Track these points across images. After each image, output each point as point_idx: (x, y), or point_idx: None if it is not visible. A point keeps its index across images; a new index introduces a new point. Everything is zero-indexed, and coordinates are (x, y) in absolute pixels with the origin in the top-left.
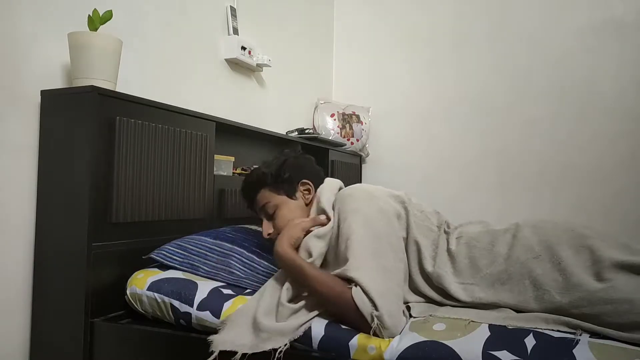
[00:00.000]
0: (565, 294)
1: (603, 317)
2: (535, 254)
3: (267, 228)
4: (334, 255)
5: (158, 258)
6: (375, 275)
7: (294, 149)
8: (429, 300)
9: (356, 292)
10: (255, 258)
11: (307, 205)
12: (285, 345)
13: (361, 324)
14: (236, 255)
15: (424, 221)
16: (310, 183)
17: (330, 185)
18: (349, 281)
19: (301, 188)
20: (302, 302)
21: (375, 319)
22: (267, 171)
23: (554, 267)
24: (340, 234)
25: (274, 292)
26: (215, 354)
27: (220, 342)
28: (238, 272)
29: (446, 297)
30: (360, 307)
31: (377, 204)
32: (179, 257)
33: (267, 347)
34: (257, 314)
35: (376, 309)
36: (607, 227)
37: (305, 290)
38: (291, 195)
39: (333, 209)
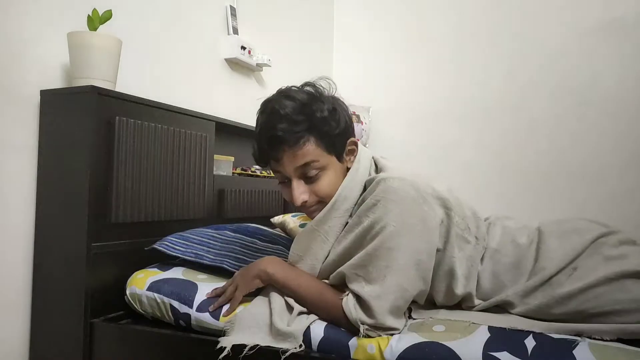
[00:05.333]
0: (571, 298)
1: (612, 316)
2: (559, 268)
3: (301, 192)
4: (353, 244)
5: (161, 248)
6: (388, 295)
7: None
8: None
9: (346, 302)
10: (258, 242)
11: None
12: (301, 346)
13: (354, 331)
14: (240, 241)
15: (464, 231)
16: (356, 143)
17: (366, 161)
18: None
19: (348, 148)
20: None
21: (362, 328)
22: (324, 116)
23: (572, 280)
24: (367, 231)
25: (280, 295)
26: (228, 348)
27: (232, 341)
28: (244, 257)
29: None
30: (349, 316)
31: (422, 210)
32: (182, 247)
33: (283, 346)
34: (273, 316)
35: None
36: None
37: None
38: (340, 156)
39: (365, 187)
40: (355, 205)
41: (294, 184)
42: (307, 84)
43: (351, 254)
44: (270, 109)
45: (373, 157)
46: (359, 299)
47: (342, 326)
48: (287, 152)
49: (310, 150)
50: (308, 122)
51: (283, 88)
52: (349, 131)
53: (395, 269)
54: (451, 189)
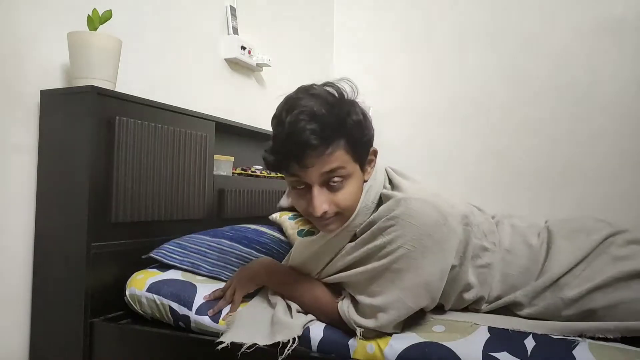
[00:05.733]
0: (578, 300)
1: (616, 315)
2: (568, 269)
3: (323, 201)
4: (361, 257)
5: (158, 257)
6: (390, 310)
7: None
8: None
9: (341, 306)
10: (254, 252)
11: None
12: (295, 340)
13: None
14: (236, 252)
15: (482, 240)
16: (376, 153)
17: (380, 176)
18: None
19: (369, 158)
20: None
21: (358, 331)
22: (358, 119)
23: (580, 280)
24: (378, 249)
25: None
26: (228, 342)
27: (231, 339)
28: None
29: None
30: (344, 319)
31: (442, 232)
32: (179, 255)
33: (278, 339)
34: (276, 308)
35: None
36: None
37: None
38: (363, 166)
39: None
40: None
41: (315, 191)
42: (327, 84)
43: (357, 266)
44: (298, 107)
45: (385, 170)
46: (356, 303)
47: (340, 328)
48: (314, 156)
49: (339, 155)
50: (340, 125)
51: (306, 86)
52: (372, 139)
53: (400, 288)
54: (470, 207)
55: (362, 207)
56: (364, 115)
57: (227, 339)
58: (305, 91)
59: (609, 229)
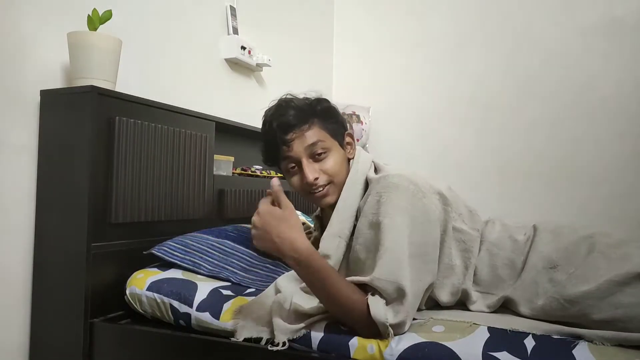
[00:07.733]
0: (575, 303)
1: (615, 322)
2: (551, 258)
3: (313, 170)
4: (360, 239)
5: (159, 254)
6: (392, 288)
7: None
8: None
9: (372, 301)
10: (256, 256)
11: (349, 160)
12: (284, 344)
13: (369, 333)
14: (238, 254)
15: (460, 223)
16: (352, 136)
17: (366, 159)
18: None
19: (346, 140)
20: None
21: (389, 329)
22: (324, 106)
23: (573, 279)
24: (373, 229)
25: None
26: (241, 339)
27: (247, 334)
28: (241, 272)
29: (457, 303)
30: (375, 317)
31: (423, 203)
32: (181, 253)
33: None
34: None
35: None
36: (605, 228)
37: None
38: (341, 144)
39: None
40: (359, 204)
41: (305, 162)
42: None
43: (364, 245)
44: (277, 104)
45: (373, 161)
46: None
47: (355, 322)
48: (297, 133)
49: (316, 131)
50: (311, 109)
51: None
52: (345, 125)
53: (404, 265)
54: (450, 188)
55: (351, 183)
56: (332, 106)
57: (240, 336)
58: (280, 99)
59: (596, 229)
